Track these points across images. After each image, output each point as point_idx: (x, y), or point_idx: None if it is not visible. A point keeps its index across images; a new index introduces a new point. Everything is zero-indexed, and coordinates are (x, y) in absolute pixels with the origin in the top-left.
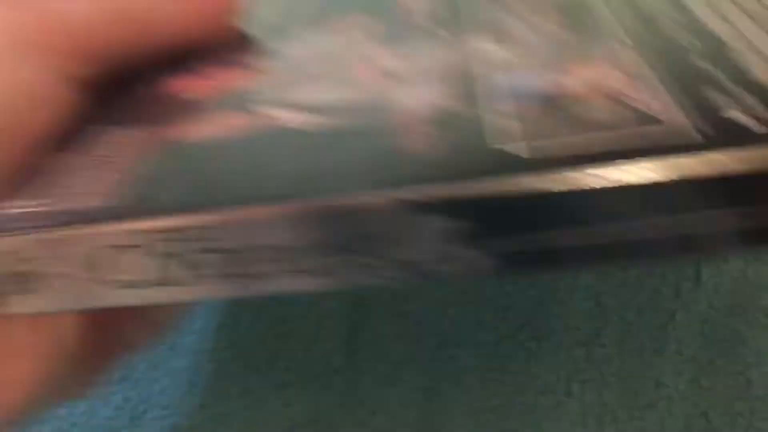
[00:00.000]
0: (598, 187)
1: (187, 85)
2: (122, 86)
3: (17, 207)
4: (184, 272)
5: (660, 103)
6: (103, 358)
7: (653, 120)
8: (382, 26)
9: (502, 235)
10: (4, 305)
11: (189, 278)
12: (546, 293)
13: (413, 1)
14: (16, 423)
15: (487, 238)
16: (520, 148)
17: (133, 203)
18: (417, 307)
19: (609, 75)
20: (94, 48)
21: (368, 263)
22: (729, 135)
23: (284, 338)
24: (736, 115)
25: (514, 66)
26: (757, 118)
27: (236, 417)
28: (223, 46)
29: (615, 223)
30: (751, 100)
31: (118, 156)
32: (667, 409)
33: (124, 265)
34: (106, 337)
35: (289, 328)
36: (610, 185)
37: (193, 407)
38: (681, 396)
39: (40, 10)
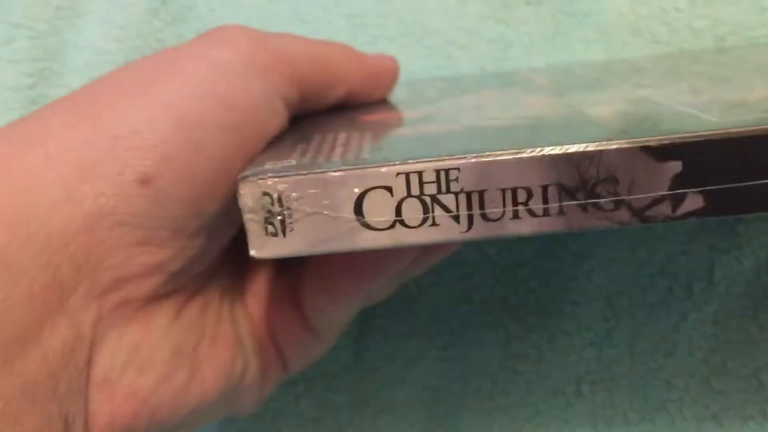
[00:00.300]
0: None
1: (366, 116)
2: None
3: (271, 163)
4: (425, 214)
5: None
6: (268, 374)
7: None
8: (522, 88)
9: (723, 176)
10: (255, 248)
11: (429, 219)
12: (558, 293)
13: (538, 78)
14: (197, 409)
15: (710, 180)
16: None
17: (377, 158)
18: (426, 306)
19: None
20: (298, 77)
21: (597, 206)
22: None
23: None
24: None
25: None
26: None
27: None
28: (375, 104)
29: None
30: None
31: (337, 142)
32: (678, 411)
33: (375, 206)
34: (272, 354)
35: None
36: None
37: None
38: (692, 398)
39: (268, 42)
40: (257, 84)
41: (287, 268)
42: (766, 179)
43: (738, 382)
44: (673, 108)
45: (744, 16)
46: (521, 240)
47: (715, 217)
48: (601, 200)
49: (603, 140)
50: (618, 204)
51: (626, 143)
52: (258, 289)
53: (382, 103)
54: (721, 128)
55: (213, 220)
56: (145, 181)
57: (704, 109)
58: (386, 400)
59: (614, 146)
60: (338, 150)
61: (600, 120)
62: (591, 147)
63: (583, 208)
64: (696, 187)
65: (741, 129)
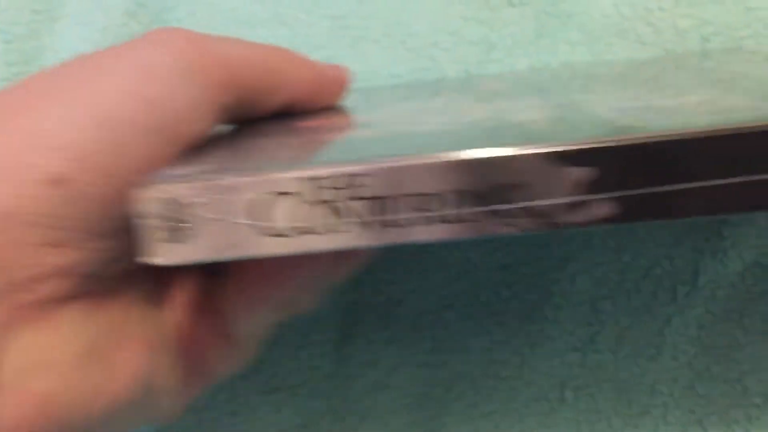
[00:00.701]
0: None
1: (304, 122)
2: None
3: (180, 168)
4: (331, 220)
5: None
6: (188, 381)
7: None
8: (476, 95)
9: (630, 183)
10: (151, 255)
11: (335, 226)
12: (541, 297)
13: (494, 84)
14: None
15: (616, 186)
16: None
17: (291, 162)
18: (409, 312)
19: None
20: (236, 82)
21: (504, 212)
22: None
23: (273, 343)
24: None
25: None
26: None
27: (224, 422)
28: (321, 111)
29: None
30: None
31: (258, 147)
32: (662, 416)
33: (279, 212)
34: (191, 360)
35: (278, 333)
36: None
37: None
38: (676, 403)
39: (207, 46)
40: (186, 87)
41: (208, 273)
42: (673, 185)
43: (723, 387)
44: (597, 115)
45: (729, 16)
46: (502, 243)
47: (624, 223)
48: (509, 206)
49: (511, 146)
50: (525, 210)
51: (533, 149)
52: (177, 292)
53: (329, 109)
54: (629, 134)
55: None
56: (58, 181)
57: (634, 115)
58: (369, 407)
59: (521, 152)
60: (256, 155)
61: (521, 125)
62: (497, 153)
63: (491, 214)
64: (604, 194)
65: (647, 135)
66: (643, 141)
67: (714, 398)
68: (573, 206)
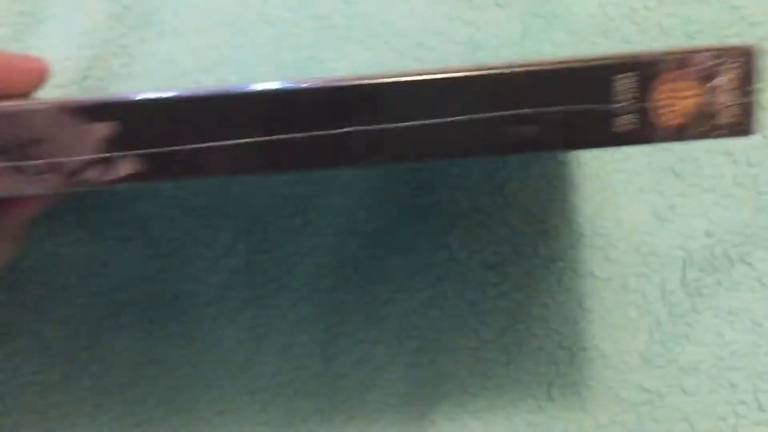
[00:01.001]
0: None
1: None
2: None
3: None
4: None
5: None
6: None
7: None
8: None
9: (150, 140)
10: None
11: None
12: (528, 296)
13: None
14: None
15: (136, 143)
16: None
17: None
18: (396, 311)
19: None
20: None
21: (30, 168)
22: None
23: (259, 342)
24: None
25: None
26: None
27: (210, 422)
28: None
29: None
30: None
31: None
32: (649, 413)
33: None
34: None
35: (264, 332)
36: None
37: (168, 412)
38: (663, 400)
39: None
40: None
41: None
42: (197, 143)
43: (709, 384)
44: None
45: (714, 14)
46: (490, 242)
47: (152, 181)
48: (34, 163)
49: (32, 101)
50: (50, 167)
51: (49, 103)
52: None
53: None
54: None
55: None
56: None
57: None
58: (356, 406)
59: (39, 106)
60: None
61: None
62: (14, 106)
63: (15, 170)
64: (129, 151)
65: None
66: (163, 98)
67: (701, 395)
68: (97, 164)
